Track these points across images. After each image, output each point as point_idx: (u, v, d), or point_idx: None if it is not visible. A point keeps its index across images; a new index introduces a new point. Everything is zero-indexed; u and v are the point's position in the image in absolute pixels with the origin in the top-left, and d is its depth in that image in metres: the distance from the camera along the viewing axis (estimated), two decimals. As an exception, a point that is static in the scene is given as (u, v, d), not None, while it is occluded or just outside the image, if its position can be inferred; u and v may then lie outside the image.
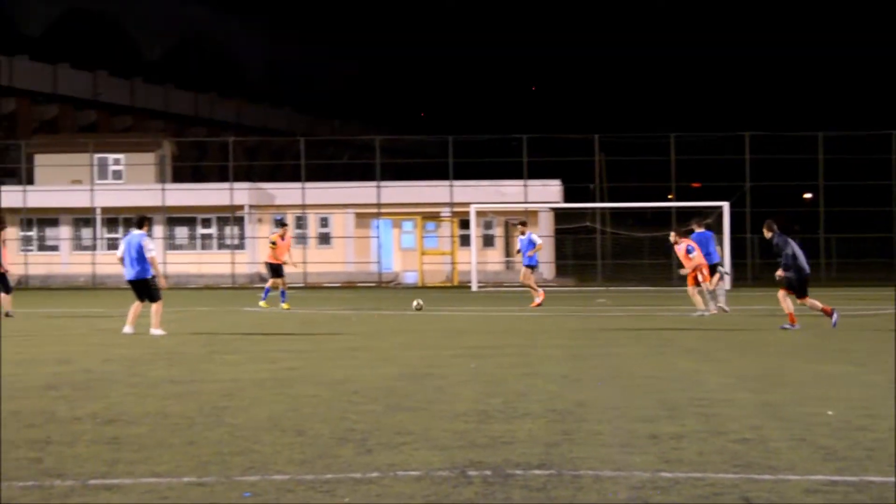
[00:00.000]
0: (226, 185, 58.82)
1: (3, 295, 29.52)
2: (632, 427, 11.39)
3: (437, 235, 58.10)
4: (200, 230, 59.73)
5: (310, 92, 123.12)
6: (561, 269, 59.08)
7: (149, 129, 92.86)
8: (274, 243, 34.10)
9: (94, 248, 58.95)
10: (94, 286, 56.83)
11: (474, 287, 49.25)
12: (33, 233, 59.94)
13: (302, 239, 58.20)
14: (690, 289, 28.48)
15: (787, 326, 23.65)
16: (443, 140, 58.82)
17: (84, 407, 12.93)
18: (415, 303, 32.44)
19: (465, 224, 55.71)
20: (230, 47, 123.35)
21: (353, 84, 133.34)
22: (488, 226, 58.49)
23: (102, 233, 59.47)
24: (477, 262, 51.36)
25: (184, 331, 24.66)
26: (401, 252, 59.12)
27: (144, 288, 23.31)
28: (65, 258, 59.56)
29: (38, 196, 59.16)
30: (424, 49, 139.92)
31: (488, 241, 58.55)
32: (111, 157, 61.28)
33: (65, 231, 60.05)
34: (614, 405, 12.88)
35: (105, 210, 58.88)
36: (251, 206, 58.74)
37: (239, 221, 58.77)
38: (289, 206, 58.79)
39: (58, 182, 60.72)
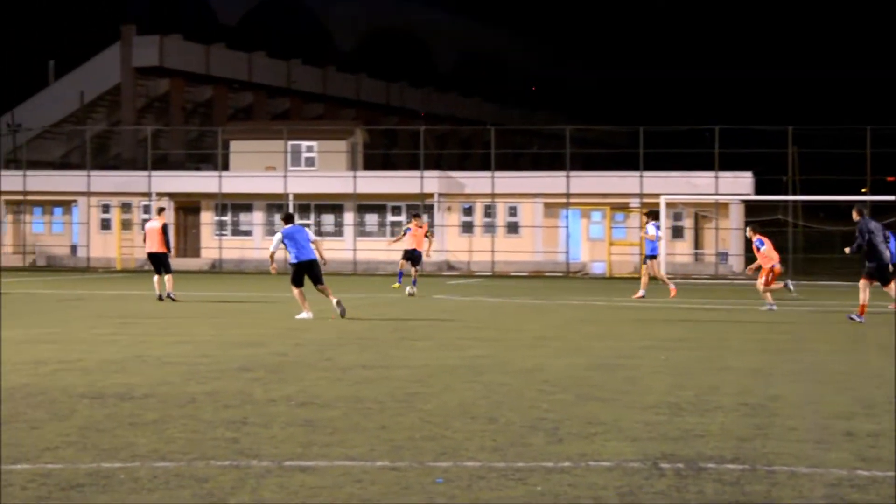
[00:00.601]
0: (416, 173, 59.32)
1: (162, 277, 30.14)
2: (826, 423, 11.16)
3: (626, 226, 57.70)
4: (390, 217, 60.38)
5: (498, 81, 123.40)
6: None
7: (340, 118, 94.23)
8: (407, 230, 35.25)
9: (285, 233, 60.01)
10: (286, 271, 57.82)
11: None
12: (227, 217, 61.33)
13: (490, 228, 58.40)
14: (760, 283, 28.60)
15: (854, 317, 23.53)
16: (633, 130, 58.36)
17: (278, 389, 13.18)
18: (408, 289, 33.61)
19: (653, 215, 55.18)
20: (420, 37, 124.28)
21: (542, 73, 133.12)
22: (678, 217, 57.87)
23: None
24: (666, 253, 50.85)
25: (373, 316, 24.96)
26: (588, 242, 58.87)
27: (317, 269, 24.42)
28: (257, 243, 60.78)
29: (232, 182, 60.47)
30: (616, 38, 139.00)
31: (677, 233, 57.93)
32: (304, 144, 62.28)
33: (258, 216, 61.30)
34: (808, 400, 12.63)
35: (297, 196, 59.91)
36: (440, 195, 59.14)
37: (428, 209, 59.19)
38: (478, 195, 59.04)
39: (252, 168, 62.01)
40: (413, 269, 34.94)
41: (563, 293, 37.76)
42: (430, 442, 10.00)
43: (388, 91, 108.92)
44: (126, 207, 62.01)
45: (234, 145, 64.03)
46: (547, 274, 56.30)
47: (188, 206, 62.01)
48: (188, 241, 61.92)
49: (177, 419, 11.08)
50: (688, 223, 58.09)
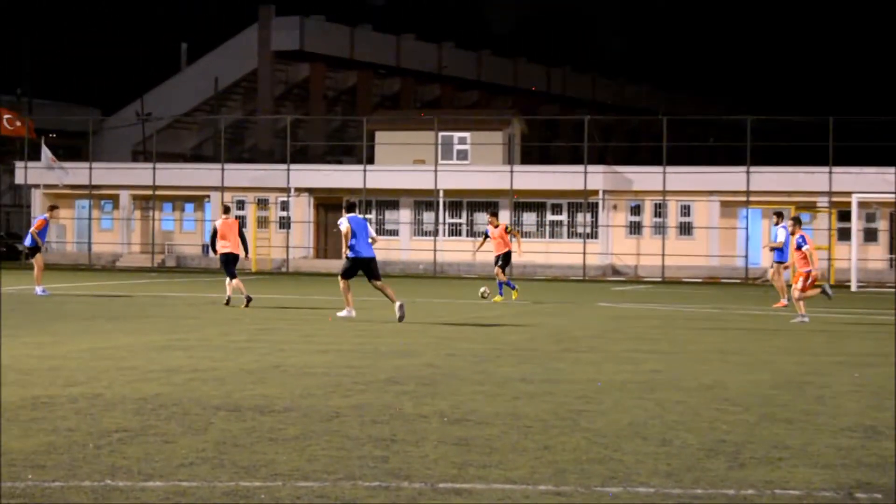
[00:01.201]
0: (579, 167, 59.17)
1: (231, 280, 30.51)
2: None
3: (813, 228, 56.86)
4: (549, 217, 60.36)
5: (670, 67, 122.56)
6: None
7: (495, 106, 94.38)
8: (488, 235, 35.68)
9: (435, 233, 60.35)
10: (435, 274, 58.22)
11: (854, 287, 47.97)
12: (372, 215, 61.87)
13: (661, 229, 58.01)
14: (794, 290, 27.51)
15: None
16: (822, 121, 57.46)
17: (430, 404, 13.24)
18: (481, 290, 34.11)
19: (844, 216, 54.31)
20: (584, 18, 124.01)
21: (718, 58, 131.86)
22: (870, 218, 56.85)
23: (445, 217, 60.88)
24: (857, 258, 49.98)
25: (533, 324, 24.96)
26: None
27: (375, 265, 26.11)
28: (404, 243, 61.25)
29: (378, 176, 60.98)
30: (804, 17, 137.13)
31: (870, 236, 56.93)
32: (456, 135, 62.54)
33: (405, 214, 61.73)
34: None
35: (448, 192, 60.21)
36: (606, 192, 58.91)
37: (592, 208, 59.02)
38: (647, 193, 58.71)
39: (399, 161, 62.48)
40: (498, 272, 34.97)
41: (742, 301, 37.32)
42: (598, 465, 9.96)
43: (548, 77, 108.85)
44: (262, 204, 62.95)
45: (380, 136, 64.58)
46: (723, 280, 55.76)
47: (329, 203, 62.71)
48: (329, 242, 62.59)
49: (320, 435, 11.20)
50: (882, 225, 57.05)
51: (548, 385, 14.96)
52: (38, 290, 33.42)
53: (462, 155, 62.11)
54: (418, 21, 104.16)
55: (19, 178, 67.50)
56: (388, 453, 10.36)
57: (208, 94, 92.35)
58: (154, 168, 64.05)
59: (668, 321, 27.63)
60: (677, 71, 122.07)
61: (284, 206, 62.31)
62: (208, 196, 64.17)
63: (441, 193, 60.13)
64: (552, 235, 60.29)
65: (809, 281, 27.02)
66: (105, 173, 66.02)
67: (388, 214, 62.29)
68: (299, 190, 61.68)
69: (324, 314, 27.59)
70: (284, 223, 62.17)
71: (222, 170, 62.93)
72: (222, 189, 62.38)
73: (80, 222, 66.94)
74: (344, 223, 25.99)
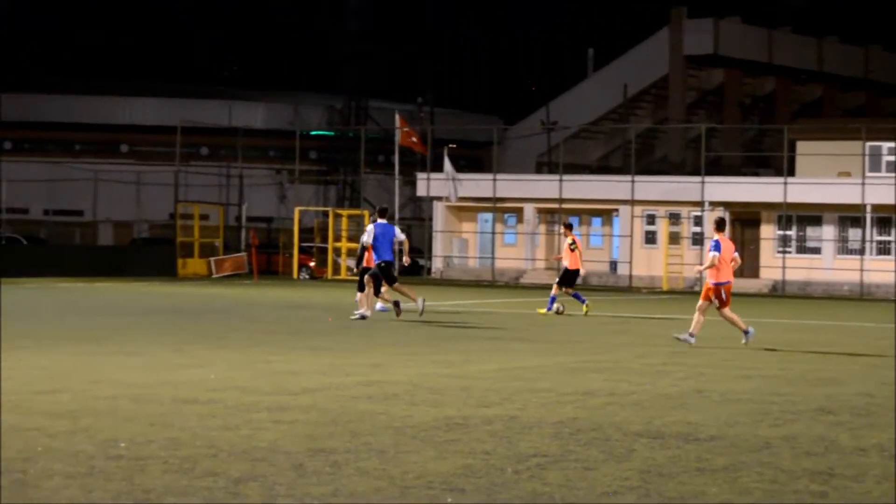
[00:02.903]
0: None
1: (362, 294, 31.00)
2: None
3: None
4: None
5: None
6: None
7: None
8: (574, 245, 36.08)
9: (861, 251, 58.87)
10: (861, 296, 56.78)
11: None
12: (792, 232, 60.87)
13: None
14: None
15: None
16: None
17: (868, 437, 12.92)
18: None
19: None
20: None
21: None
22: None
23: (872, 234, 59.33)
24: None
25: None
26: None
27: (392, 269, 30.07)
28: (827, 262, 59.97)
29: (799, 190, 59.90)
30: None
31: None
32: (885, 146, 60.85)
33: (828, 231, 60.45)
34: None
35: (876, 207, 58.61)
36: None
37: None
38: None
39: (822, 174, 61.26)
40: (556, 287, 35.16)
41: None
42: None
43: None
44: (674, 218, 62.75)
45: (802, 146, 63.50)
46: None
47: (746, 218, 62.08)
48: (745, 259, 61.89)
49: (751, 466, 11.08)
50: None
51: None
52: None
53: (892, 167, 60.30)
54: (842, 22, 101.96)
55: (421, 191, 69.39)
56: (828, 488, 10.17)
57: (616, 101, 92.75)
58: (560, 180, 64.65)
59: None
60: None
61: (698, 220, 61.91)
62: (616, 210, 64.37)
63: (868, 209, 58.56)
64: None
65: (725, 296, 24.48)
66: (508, 185, 67.02)
67: (810, 231, 61.10)
68: (714, 204, 61.17)
69: (735, 336, 27.28)
70: (697, 239, 61.71)
71: (632, 182, 62.99)
72: (632, 202, 62.49)
73: (482, 236, 68.27)
74: (368, 234, 29.96)
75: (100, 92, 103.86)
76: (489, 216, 67.60)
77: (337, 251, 64.81)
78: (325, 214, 68.97)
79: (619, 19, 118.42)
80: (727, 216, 61.13)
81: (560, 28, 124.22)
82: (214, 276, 61.11)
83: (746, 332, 23.95)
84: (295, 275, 63.69)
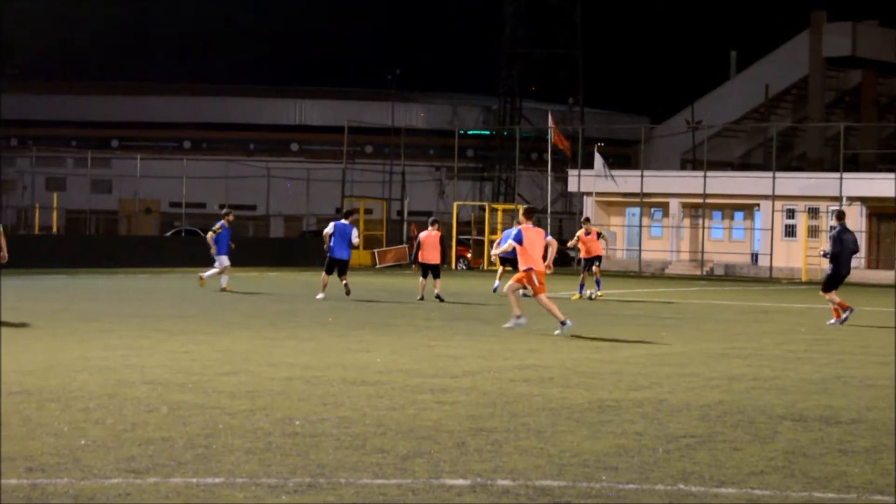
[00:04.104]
0: None
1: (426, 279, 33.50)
2: None
3: None
4: None
5: None
6: None
7: None
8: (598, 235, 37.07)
9: None
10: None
11: None
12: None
13: None
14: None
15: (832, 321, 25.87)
16: None
17: None
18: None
19: None
20: None
21: None
22: None
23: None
24: None
25: None
26: None
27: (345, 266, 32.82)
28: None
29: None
30: None
31: None
32: None
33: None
34: None
35: None
36: None
37: None
38: None
39: None
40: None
41: None
42: None
43: None
44: (813, 213, 61.91)
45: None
46: None
47: (882, 213, 60.97)
48: (881, 252, 60.88)
49: (891, 449, 10.93)
50: None
51: None
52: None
53: None
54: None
55: (572, 186, 69.31)
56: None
57: (758, 101, 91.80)
58: (705, 176, 64.09)
59: None
60: None
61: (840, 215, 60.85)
62: (758, 204, 63.71)
63: None
64: None
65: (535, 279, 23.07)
66: (655, 181, 66.68)
67: (945, 224, 59.91)
68: (851, 199, 60.22)
69: (874, 329, 26.83)
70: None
71: (773, 178, 62.24)
72: (773, 198, 61.73)
73: (630, 230, 67.97)
74: (329, 228, 32.56)
75: (272, 94, 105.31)
76: (636, 210, 67.25)
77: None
78: (481, 209, 69.09)
79: (760, 23, 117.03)
80: (863, 210, 60.20)
81: (704, 32, 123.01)
82: (378, 266, 61.52)
83: (563, 324, 22.10)
84: (453, 265, 63.88)
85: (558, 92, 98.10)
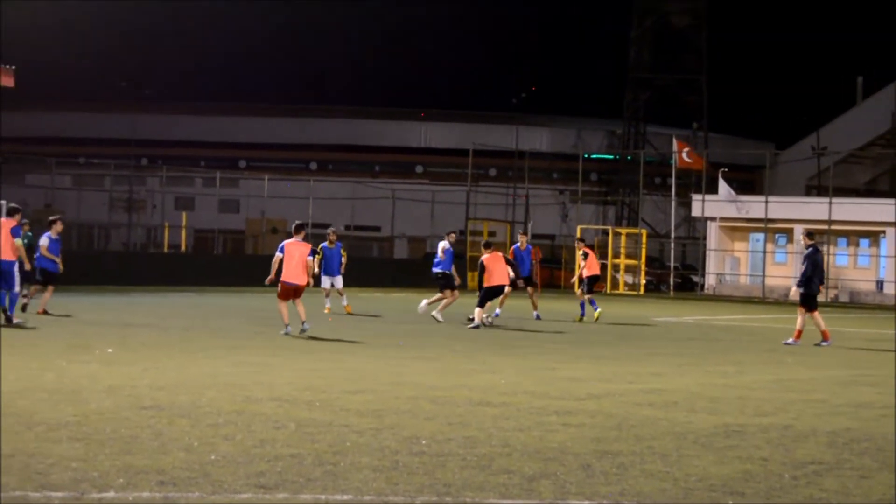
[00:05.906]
0: None
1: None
2: None
3: None
4: None
5: None
6: None
7: None
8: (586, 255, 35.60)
9: None
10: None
11: None
12: None
13: None
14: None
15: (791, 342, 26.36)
16: None
17: None
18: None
19: None
20: None
21: None
22: None
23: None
24: None
25: None
26: None
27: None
28: None
29: None
30: None
31: None
32: None
33: None
34: None
35: None
36: None
37: None
38: None
39: None
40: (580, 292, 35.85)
41: None
42: None
43: None
44: (940, 240, 60.86)
45: None
46: None
47: None
48: None
49: None
50: None
51: None
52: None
53: None
54: None
55: (696, 211, 68.80)
56: None
57: (884, 128, 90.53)
58: (830, 202, 63.29)
59: None
60: None
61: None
62: (884, 231, 62.75)
63: None
64: None
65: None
66: (780, 207, 66.04)
67: None
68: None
69: None
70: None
71: (896, 205, 61.39)
72: (898, 225, 60.83)
73: (753, 255, 67.30)
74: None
75: (397, 117, 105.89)
76: (760, 236, 66.56)
77: (616, 267, 64.61)
78: (605, 232, 68.79)
79: (887, 49, 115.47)
80: None
81: (830, 58, 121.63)
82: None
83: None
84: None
85: (683, 117, 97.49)
